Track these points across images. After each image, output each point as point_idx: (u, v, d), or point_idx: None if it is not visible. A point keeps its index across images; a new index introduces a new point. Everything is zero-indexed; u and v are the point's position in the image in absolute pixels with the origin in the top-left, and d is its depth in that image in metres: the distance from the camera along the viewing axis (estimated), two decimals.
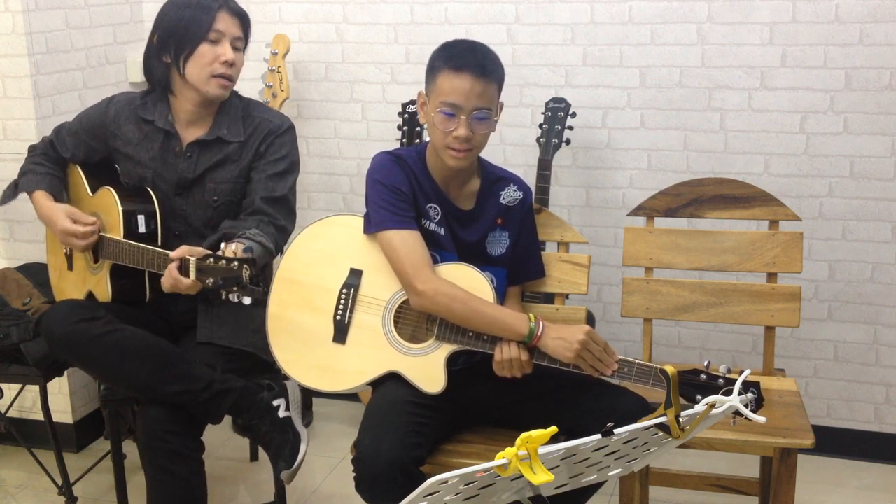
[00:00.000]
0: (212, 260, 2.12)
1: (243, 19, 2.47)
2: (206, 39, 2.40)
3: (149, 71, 2.51)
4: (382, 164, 2.23)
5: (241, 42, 2.46)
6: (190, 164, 2.48)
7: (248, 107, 2.54)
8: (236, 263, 2.08)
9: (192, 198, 2.49)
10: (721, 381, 1.98)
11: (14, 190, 2.68)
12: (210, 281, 2.12)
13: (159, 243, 2.43)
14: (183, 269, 2.18)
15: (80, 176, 2.61)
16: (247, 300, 2.11)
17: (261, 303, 2.19)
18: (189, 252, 2.18)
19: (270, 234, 2.38)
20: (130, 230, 2.42)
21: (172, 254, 2.21)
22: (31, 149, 2.68)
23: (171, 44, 2.43)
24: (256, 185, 2.47)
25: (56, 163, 2.63)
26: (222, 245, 2.18)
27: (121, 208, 2.42)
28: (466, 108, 2.12)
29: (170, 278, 2.19)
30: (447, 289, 2.13)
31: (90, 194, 2.57)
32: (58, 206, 2.52)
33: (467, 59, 2.13)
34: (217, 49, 2.40)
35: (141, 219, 2.43)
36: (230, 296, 2.12)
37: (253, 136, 2.49)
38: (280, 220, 2.44)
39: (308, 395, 3.39)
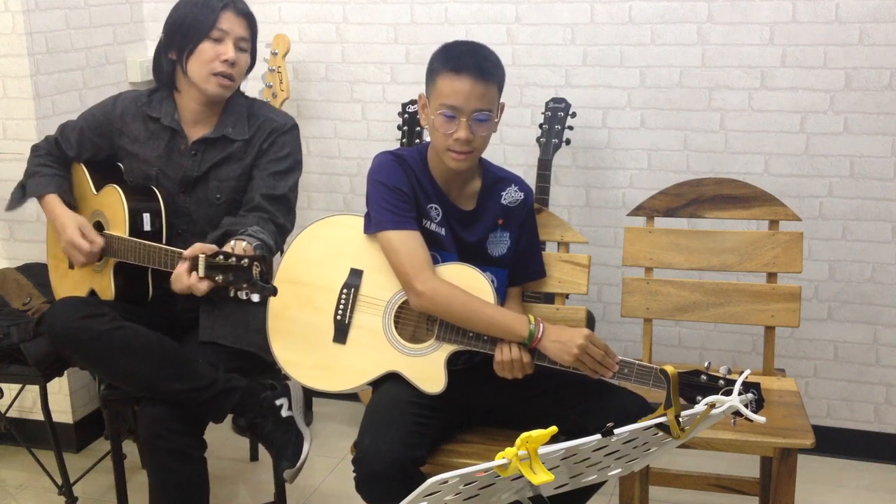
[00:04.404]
0: (221, 257, 2.12)
1: (250, 20, 2.47)
2: (208, 37, 2.41)
3: (157, 67, 2.52)
4: (383, 164, 2.23)
5: (247, 42, 2.47)
6: (195, 163, 2.48)
7: (253, 106, 2.55)
8: (246, 260, 2.08)
9: (196, 195, 2.49)
10: (721, 381, 1.98)
11: (22, 194, 2.64)
12: (220, 278, 2.12)
13: (164, 241, 2.43)
14: (192, 266, 2.18)
15: (84, 174, 2.61)
16: (256, 297, 2.10)
17: (267, 300, 2.18)
18: (202, 250, 2.17)
19: (270, 232, 2.39)
20: (136, 228, 2.42)
21: (186, 252, 2.19)
22: (35, 148, 2.65)
23: (176, 40, 2.44)
24: (258, 182, 2.47)
25: (61, 162, 2.62)
26: (232, 242, 2.17)
27: (126, 206, 2.42)
28: (466, 110, 2.12)
29: (183, 283, 2.18)
30: (447, 289, 2.13)
31: (94, 192, 2.56)
32: (70, 216, 2.49)
33: (467, 61, 2.12)
34: (219, 48, 2.41)
35: (146, 217, 2.43)
36: (240, 293, 2.11)
37: (257, 134, 2.50)
38: (279, 219, 2.45)
39: (308, 394, 3.39)
